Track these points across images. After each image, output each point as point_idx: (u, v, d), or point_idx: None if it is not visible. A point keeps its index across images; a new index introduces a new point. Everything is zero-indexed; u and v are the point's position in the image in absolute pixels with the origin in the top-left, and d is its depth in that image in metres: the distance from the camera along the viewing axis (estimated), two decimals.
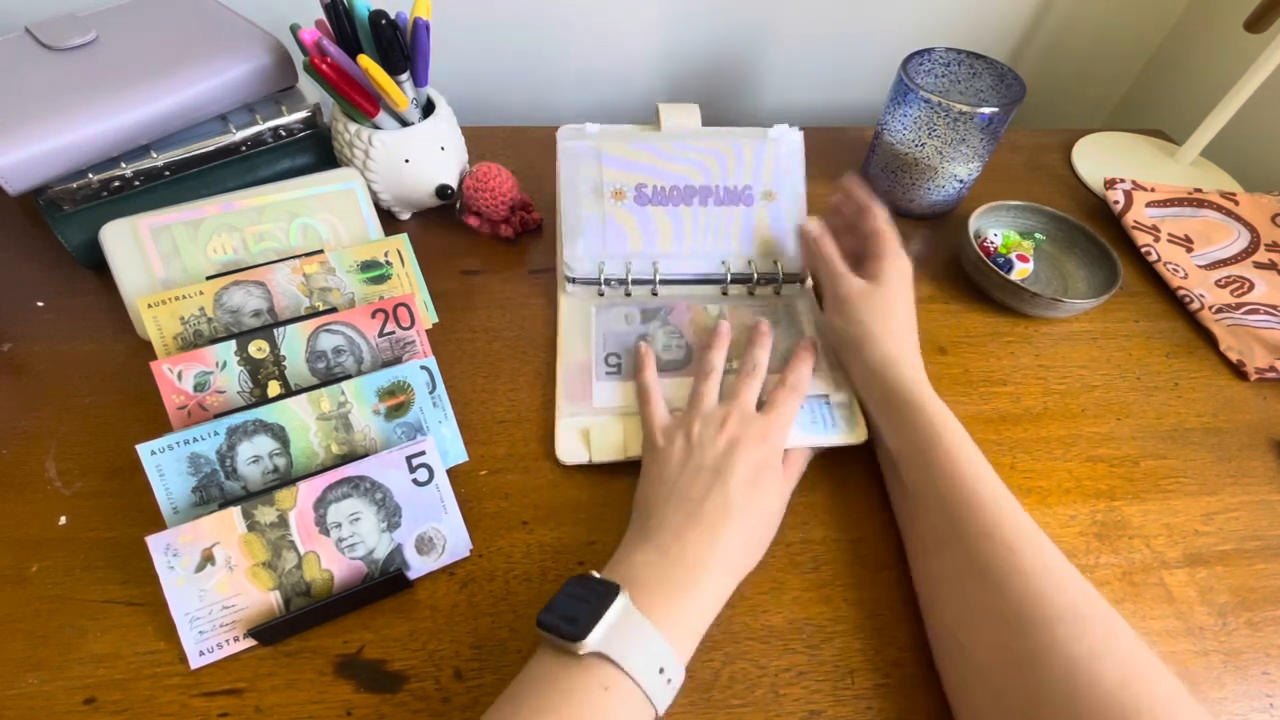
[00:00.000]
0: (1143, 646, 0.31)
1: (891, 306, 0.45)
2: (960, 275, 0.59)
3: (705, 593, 0.35)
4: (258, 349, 0.42)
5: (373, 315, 0.44)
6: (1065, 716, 0.30)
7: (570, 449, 0.43)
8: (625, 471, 0.43)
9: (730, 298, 0.52)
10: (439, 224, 0.58)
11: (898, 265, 0.46)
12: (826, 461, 0.45)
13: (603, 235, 0.51)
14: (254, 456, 0.38)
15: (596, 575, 0.33)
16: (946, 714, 0.35)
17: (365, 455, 0.39)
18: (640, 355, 0.47)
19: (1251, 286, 0.59)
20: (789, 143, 0.54)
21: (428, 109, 0.54)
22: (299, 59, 0.50)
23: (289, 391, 0.41)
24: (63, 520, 0.39)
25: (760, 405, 0.43)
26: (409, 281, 0.48)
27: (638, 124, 0.57)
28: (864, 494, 0.44)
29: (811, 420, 0.45)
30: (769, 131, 0.54)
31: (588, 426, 0.44)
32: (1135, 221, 0.63)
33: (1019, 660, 0.32)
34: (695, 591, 0.34)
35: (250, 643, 0.35)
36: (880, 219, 0.48)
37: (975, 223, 0.57)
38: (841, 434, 0.45)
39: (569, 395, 0.46)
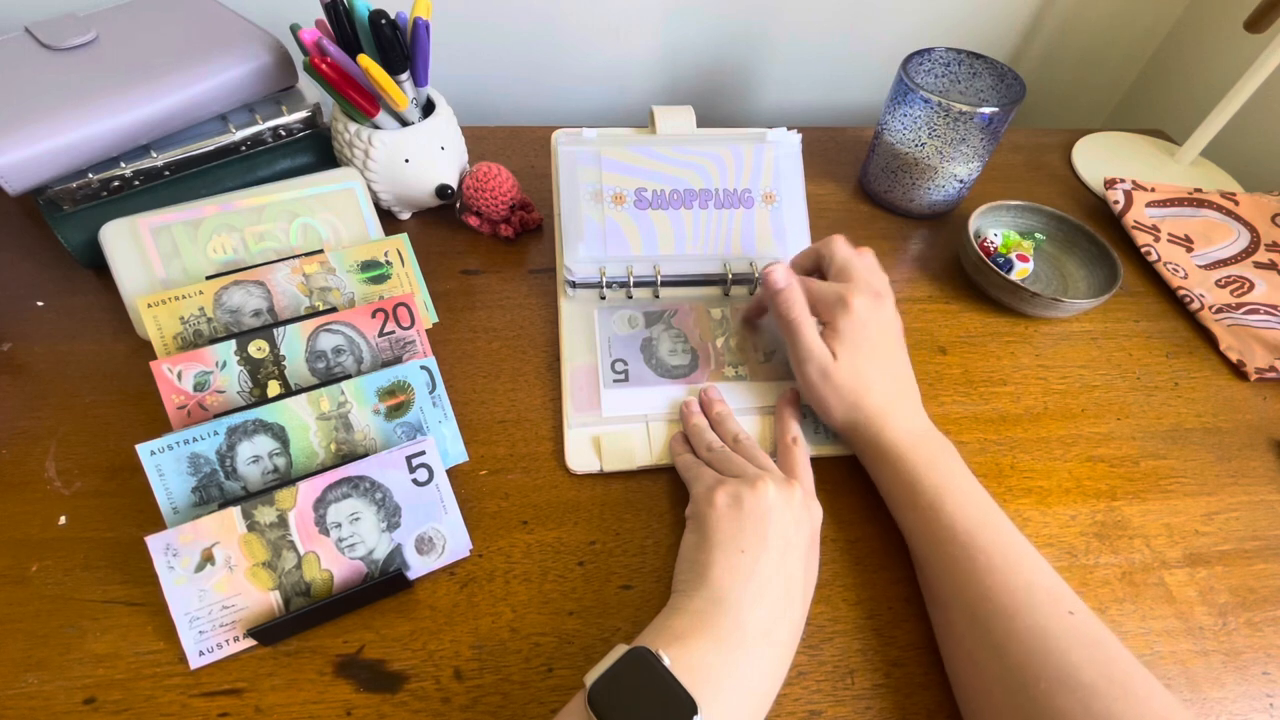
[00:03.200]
0: (1150, 693, 0.30)
1: (857, 367, 0.41)
2: (960, 275, 0.59)
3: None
4: (257, 349, 0.42)
5: (373, 315, 0.44)
6: None
7: (581, 458, 0.43)
8: (626, 472, 0.43)
9: (732, 298, 0.52)
10: (439, 224, 0.58)
11: (855, 314, 0.41)
12: (825, 463, 0.45)
13: (603, 239, 0.51)
14: (254, 456, 0.38)
15: (666, 664, 0.28)
16: (946, 714, 0.35)
17: (365, 455, 0.39)
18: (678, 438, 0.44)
19: (1251, 286, 0.59)
20: (787, 146, 0.54)
21: (428, 109, 0.54)
22: (299, 59, 0.50)
23: (289, 391, 0.41)
24: (63, 520, 0.39)
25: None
26: (409, 281, 0.48)
27: (636, 124, 0.57)
28: (862, 495, 0.44)
29: (814, 430, 0.46)
30: (767, 134, 0.54)
31: (598, 435, 0.44)
32: (1135, 221, 0.63)
33: None
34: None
35: (250, 643, 0.35)
36: (835, 250, 0.44)
37: (975, 223, 0.57)
38: (843, 444, 0.45)
39: (576, 403, 0.46)
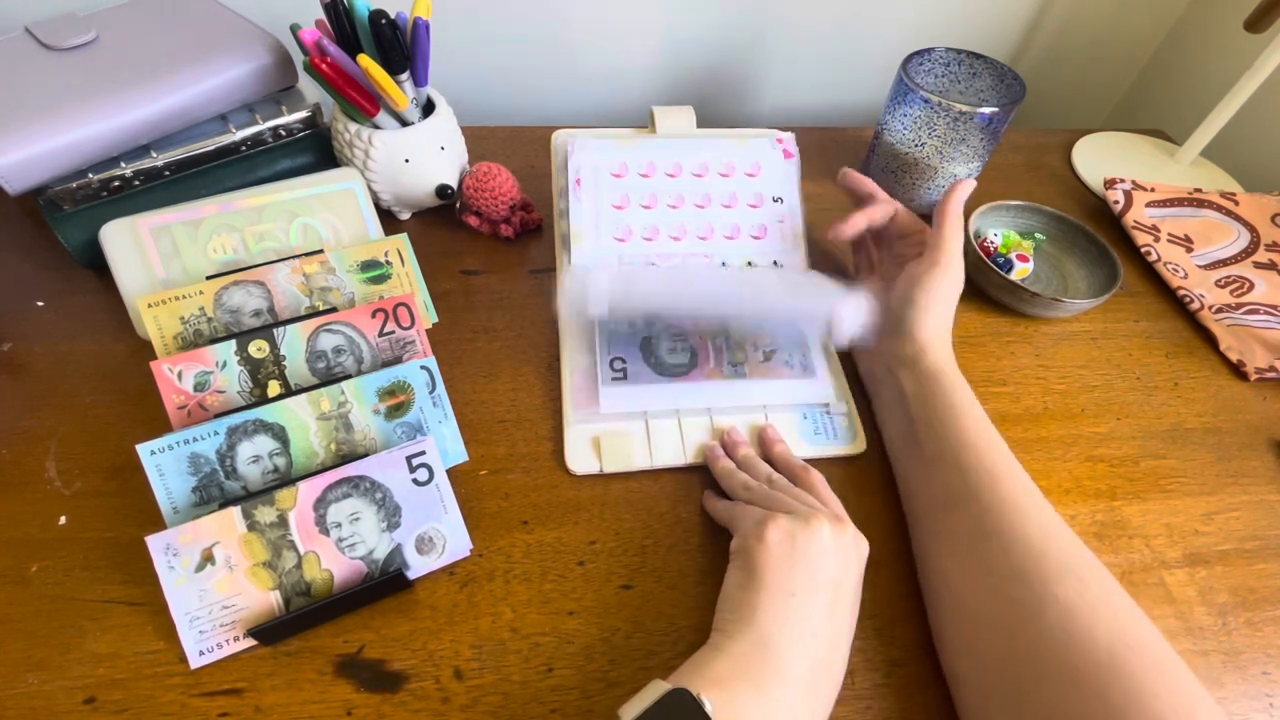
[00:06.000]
0: (1134, 606, 0.33)
1: (949, 287, 0.46)
2: None
3: None
4: (258, 349, 0.42)
5: (373, 315, 0.44)
6: (1059, 664, 0.31)
7: (581, 459, 0.43)
8: (626, 472, 0.43)
9: None
10: (439, 224, 0.58)
11: (956, 246, 0.47)
12: (825, 464, 0.45)
13: (603, 240, 0.51)
14: (254, 456, 0.38)
15: (708, 710, 0.27)
16: (946, 714, 0.35)
17: (365, 455, 0.39)
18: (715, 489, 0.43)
19: (1251, 286, 0.59)
20: (786, 147, 0.54)
21: (428, 109, 0.54)
22: (299, 59, 0.50)
23: (289, 391, 0.41)
24: (63, 520, 0.39)
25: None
26: (409, 281, 0.48)
27: (636, 124, 0.57)
28: (863, 496, 0.44)
29: (815, 431, 0.46)
30: (766, 134, 0.54)
31: (598, 435, 0.44)
32: (1135, 221, 0.63)
33: (1018, 611, 0.33)
34: None
35: (250, 642, 0.35)
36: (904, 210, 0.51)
37: (975, 223, 0.57)
38: (843, 444, 0.45)
39: (576, 402, 0.46)
